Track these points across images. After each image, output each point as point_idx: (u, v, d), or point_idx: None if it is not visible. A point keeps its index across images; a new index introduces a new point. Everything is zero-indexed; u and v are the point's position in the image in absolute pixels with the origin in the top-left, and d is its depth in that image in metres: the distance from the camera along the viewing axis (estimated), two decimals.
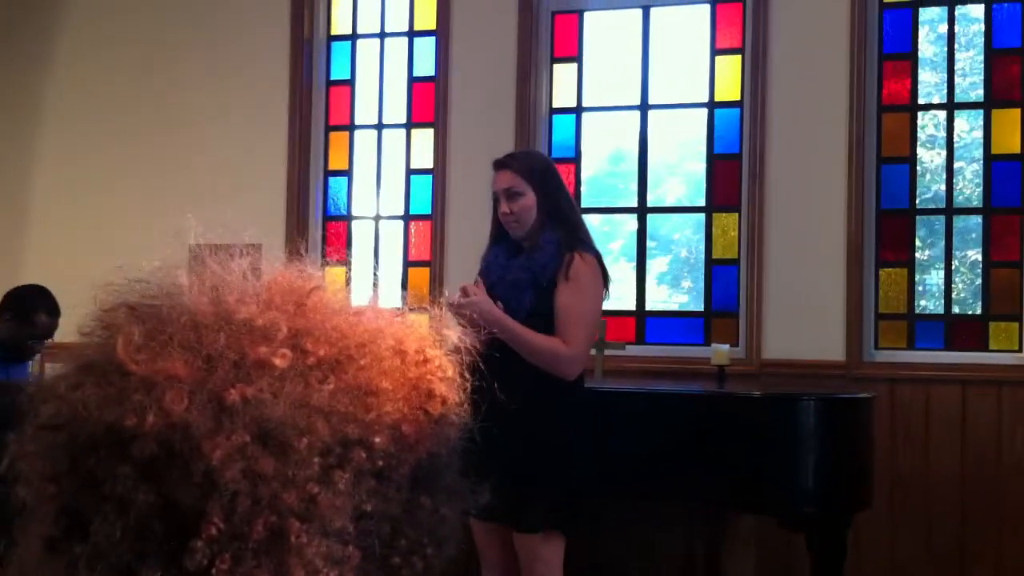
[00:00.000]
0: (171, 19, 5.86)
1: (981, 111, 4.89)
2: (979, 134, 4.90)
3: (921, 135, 4.96)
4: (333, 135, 5.71)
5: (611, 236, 5.36)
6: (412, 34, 5.62)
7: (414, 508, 0.85)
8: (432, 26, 5.53)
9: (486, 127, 5.26)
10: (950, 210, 4.90)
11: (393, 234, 5.61)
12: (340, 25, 5.75)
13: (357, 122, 5.70)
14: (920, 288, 4.94)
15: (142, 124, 5.84)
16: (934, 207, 4.94)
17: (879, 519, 4.58)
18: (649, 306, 5.22)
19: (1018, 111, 4.83)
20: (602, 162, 5.50)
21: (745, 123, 5.05)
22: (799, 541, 4.12)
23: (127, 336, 0.81)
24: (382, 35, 5.69)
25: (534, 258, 3.44)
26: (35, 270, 5.45)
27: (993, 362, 4.74)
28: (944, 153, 4.93)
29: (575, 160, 5.33)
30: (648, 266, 5.26)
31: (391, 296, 1.02)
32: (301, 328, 0.83)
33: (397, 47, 5.65)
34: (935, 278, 4.95)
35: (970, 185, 4.94)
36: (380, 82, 5.67)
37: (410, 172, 5.58)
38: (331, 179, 5.71)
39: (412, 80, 5.60)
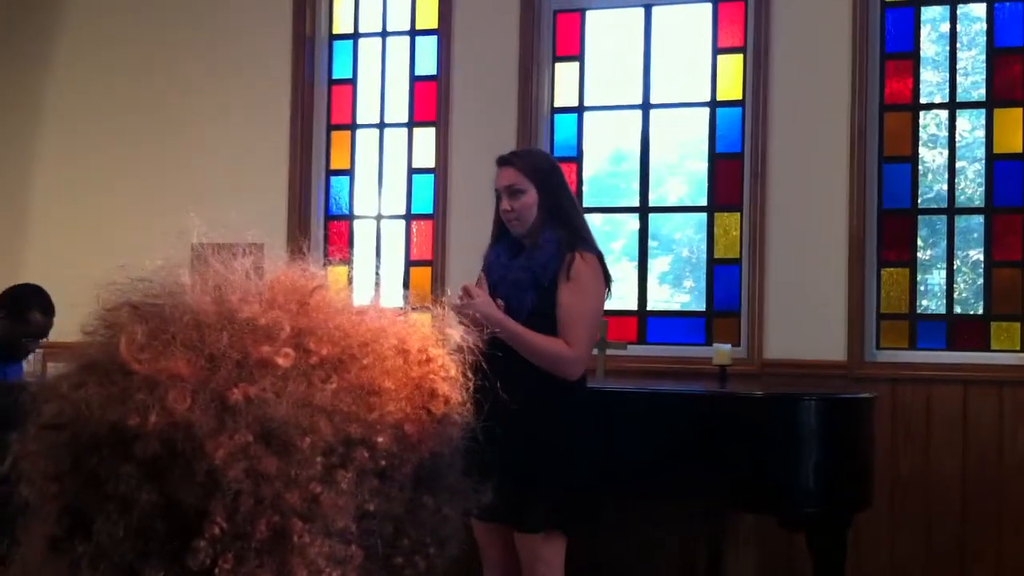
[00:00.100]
0: (172, 18, 5.85)
1: (983, 110, 4.88)
2: (981, 133, 4.89)
3: (923, 134, 4.96)
4: (335, 134, 5.71)
5: (612, 236, 5.35)
6: (414, 33, 5.62)
7: (417, 508, 0.85)
8: (434, 25, 5.53)
9: (488, 126, 5.26)
10: (952, 210, 4.89)
11: (395, 233, 5.60)
12: (342, 24, 5.75)
13: (359, 121, 5.69)
14: (922, 288, 4.93)
15: (143, 124, 5.84)
16: (936, 207, 4.93)
17: (880, 519, 4.58)
18: (651, 306, 5.22)
19: (1020, 110, 4.82)
20: (604, 161, 5.50)
21: (747, 122, 5.05)
22: (799, 541, 4.12)
23: (130, 335, 0.81)
24: (384, 34, 5.69)
25: (534, 258, 3.44)
26: (35, 270, 5.45)
27: (995, 362, 4.74)
28: (946, 152, 4.93)
29: (577, 159, 5.32)
30: (650, 266, 5.26)
31: (393, 296, 1.02)
32: (304, 327, 0.83)
33: (399, 46, 5.65)
34: (937, 278, 4.95)
35: (972, 185, 4.93)
36: (382, 81, 5.67)
37: (412, 171, 5.57)
38: (333, 178, 5.71)
39: (414, 79, 5.60)
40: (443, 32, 5.47)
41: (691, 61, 5.24)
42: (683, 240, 5.35)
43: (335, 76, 5.72)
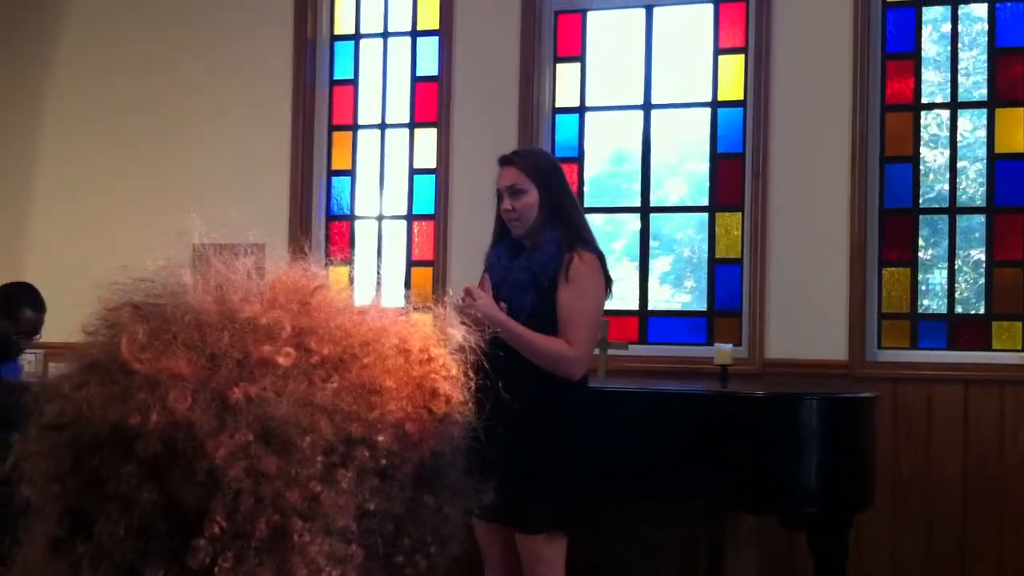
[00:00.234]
0: (173, 19, 5.86)
1: (984, 110, 4.88)
2: (982, 133, 4.89)
3: (924, 134, 4.96)
4: (336, 135, 5.71)
5: (614, 236, 5.35)
6: (415, 34, 5.62)
7: (417, 507, 0.85)
8: (435, 26, 5.53)
9: (489, 127, 5.26)
10: (953, 209, 4.89)
11: (396, 234, 5.60)
12: (343, 25, 5.75)
13: (360, 122, 5.69)
14: (923, 287, 4.93)
15: (144, 124, 5.84)
16: (937, 206, 4.93)
17: (881, 519, 4.58)
18: (652, 306, 5.22)
19: (1021, 110, 4.82)
20: (605, 162, 5.50)
21: (748, 122, 5.05)
22: (800, 541, 4.12)
23: (131, 335, 0.81)
24: (385, 35, 5.69)
25: (534, 258, 3.44)
26: (36, 270, 5.45)
27: (996, 362, 4.74)
28: (947, 152, 4.92)
29: (578, 160, 5.32)
30: (651, 266, 5.26)
31: (394, 296, 1.02)
32: (305, 327, 0.83)
33: (400, 47, 5.65)
34: (938, 277, 4.94)
35: (973, 184, 4.93)
36: (383, 82, 5.67)
37: (413, 172, 5.58)
38: (334, 179, 5.71)
39: (415, 80, 5.60)
40: (444, 33, 5.47)
41: (692, 62, 5.24)
42: (684, 240, 5.35)
43: (336, 77, 5.72)
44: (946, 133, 4.94)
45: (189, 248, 1.01)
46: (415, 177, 5.56)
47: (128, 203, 5.77)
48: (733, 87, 5.13)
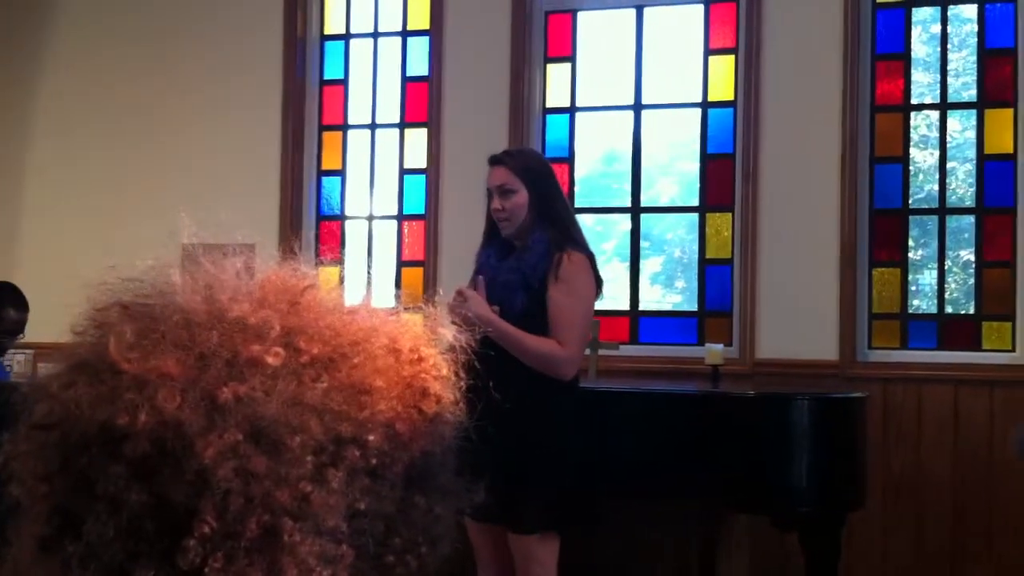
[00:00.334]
0: (164, 19, 5.84)
1: (974, 111, 4.90)
2: (972, 134, 4.91)
3: (914, 135, 4.97)
4: (326, 135, 5.71)
5: (604, 236, 5.36)
6: (405, 33, 5.62)
7: (408, 507, 0.85)
8: (426, 26, 5.53)
9: (479, 127, 5.26)
10: (943, 210, 4.91)
11: (386, 234, 5.60)
12: (333, 24, 5.74)
13: (350, 122, 5.69)
14: (913, 288, 4.94)
15: (135, 124, 5.83)
16: (927, 207, 4.94)
17: (872, 518, 4.59)
18: (643, 306, 5.23)
19: (1010, 111, 4.83)
20: (595, 162, 5.50)
21: (738, 123, 5.06)
22: (793, 542, 4.12)
23: (119, 335, 0.81)
24: (375, 34, 5.68)
25: (524, 259, 3.44)
26: (29, 270, 5.44)
27: (985, 362, 4.75)
28: (937, 153, 4.94)
29: (568, 160, 5.33)
30: (641, 266, 5.26)
31: (385, 296, 1.02)
32: (294, 326, 0.83)
33: (390, 46, 5.65)
34: (928, 278, 4.96)
35: (963, 185, 4.94)
36: (373, 82, 5.67)
37: (403, 172, 5.57)
38: (324, 179, 5.71)
39: (405, 80, 5.60)
40: (435, 33, 5.47)
41: (683, 62, 5.25)
42: (675, 240, 5.35)
43: (327, 76, 5.72)
44: (936, 134, 4.95)
45: (179, 248, 1.01)
46: (405, 177, 5.56)
47: (117, 203, 5.76)
48: (723, 87, 5.14)
